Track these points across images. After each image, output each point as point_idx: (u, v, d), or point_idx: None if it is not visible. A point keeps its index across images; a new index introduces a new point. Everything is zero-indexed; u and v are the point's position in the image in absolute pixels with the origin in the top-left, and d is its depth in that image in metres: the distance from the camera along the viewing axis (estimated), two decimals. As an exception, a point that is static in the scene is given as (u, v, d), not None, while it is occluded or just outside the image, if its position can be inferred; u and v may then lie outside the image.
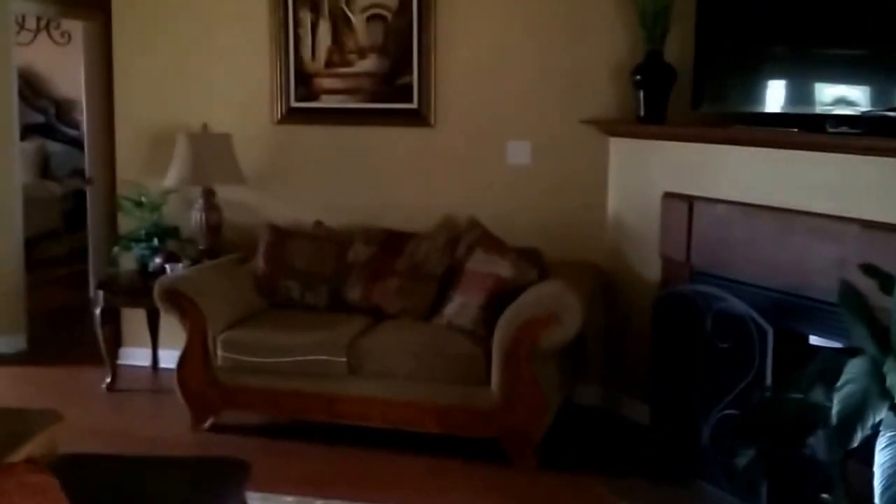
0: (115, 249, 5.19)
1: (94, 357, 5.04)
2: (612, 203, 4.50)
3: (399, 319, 4.30)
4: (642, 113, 4.13)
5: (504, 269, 4.09)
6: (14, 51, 5.83)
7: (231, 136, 4.91)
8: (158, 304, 4.31)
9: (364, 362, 4.03)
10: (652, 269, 4.15)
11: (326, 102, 4.87)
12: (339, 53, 4.81)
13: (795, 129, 3.40)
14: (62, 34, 8.83)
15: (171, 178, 4.84)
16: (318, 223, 4.77)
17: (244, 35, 4.99)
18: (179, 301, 4.25)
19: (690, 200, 3.87)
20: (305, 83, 4.89)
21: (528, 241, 4.42)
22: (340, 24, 4.78)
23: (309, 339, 4.11)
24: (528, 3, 4.54)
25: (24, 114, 9.59)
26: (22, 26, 9.51)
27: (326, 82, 4.85)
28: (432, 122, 4.69)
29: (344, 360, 4.03)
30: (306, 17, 4.83)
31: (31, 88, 9.66)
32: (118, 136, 5.37)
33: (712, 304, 3.52)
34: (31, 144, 9.36)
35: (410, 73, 4.68)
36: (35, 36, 9.53)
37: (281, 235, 4.60)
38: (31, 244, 9.04)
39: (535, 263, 4.19)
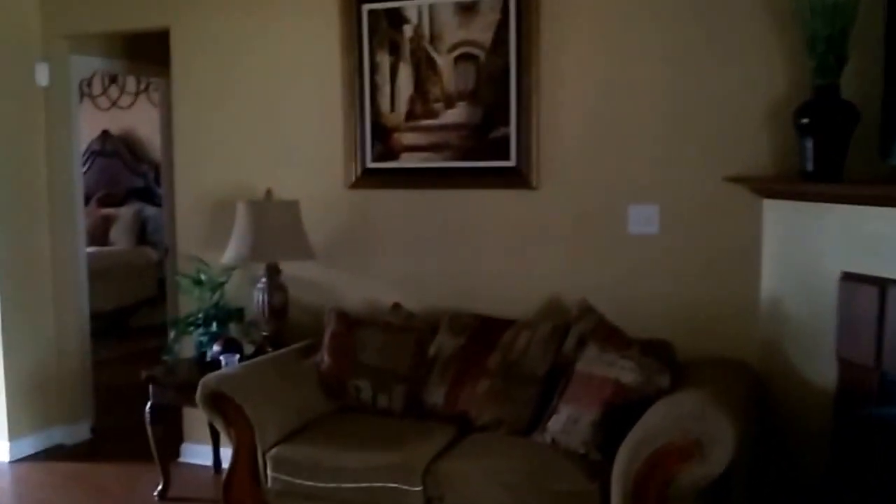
0: (172, 334, 4.49)
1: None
2: (768, 284, 3.47)
3: (490, 433, 3.41)
4: (810, 167, 3.11)
5: (625, 372, 3.14)
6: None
7: (298, 204, 4.16)
8: (201, 408, 3.56)
9: (444, 492, 3.14)
10: (824, 375, 3.12)
11: (407, 162, 4.07)
12: (422, 103, 4.01)
13: None
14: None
15: (229, 255, 4.11)
16: (397, 306, 3.94)
17: (314, 84, 4.27)
18: (224, 407, 3.50)
19: (882, 284, 2.85)
20: (383, 139, 4.10)
21: (656, 333, 3.48)
22: (424, 68, 3.99)
23: (377, 460, 3.25)
24: (654, 30, 3.61)
25: (126, 178, 9.36)
26: (122, 90, 9.28)
27: (407, 138, 4.05)
28: (534, 182, 3.81)
29: (419, 489, 3.16)
30: (384, 60, 4.06)
31: (132, 152, 9.38)
32: (178, 203, 4.73)
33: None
34: (130, 210, 9.05)
35: (507, 124, 3.83)
36: (135, 99, 9.26)
37: (349, 324, 3.78)
38: (128, 312, 8.73)
39: (665, 363, 3.23)
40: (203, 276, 4.41)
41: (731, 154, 3.50)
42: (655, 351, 3.31)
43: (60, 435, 5.10)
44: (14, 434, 4.89)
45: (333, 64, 4.17)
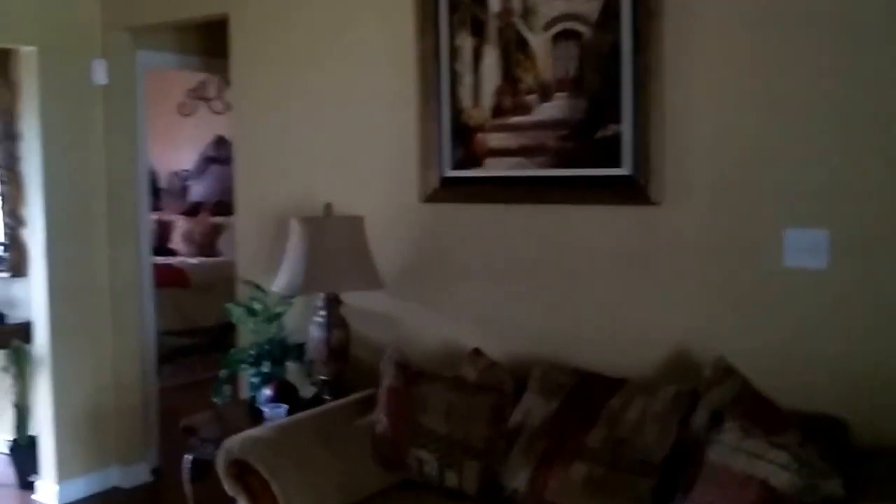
0: (223, 373, 3.80)
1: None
2: None
3: (587, 537, 2.52)
4: None
5: (777, 470, 2.21)
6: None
7: (363, 221, 3.40)
8: (222, 480, 2.84)
9: None
10: None
11: (493, 169, 3.22)
12: (511, 95, 3.15)
13: None
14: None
15: (279, 282, 3.39)
16: (477, 353, 3.09)
17: (383, 75, 3.51)
18: (249, 480, 2.77)
19: None
20: (465, 142, 3.28)
21: (823, 407, 2.52)
22: (514, 51, 3.14)
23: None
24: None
25: (226, 189, 8.90)
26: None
27: (493, 139, 3.21)
28: (655, 196, 2.87)
29: None
30: (466, 43, 3.23)
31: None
32: (238, 220, 4.08)
33: None
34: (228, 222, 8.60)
35: (619, 120, 2.92)
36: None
37: (410, 377, 2.97)
38: (232, 327, 8.24)
39: (836, 454, 2.27)
40: (257, 306, 3.72)
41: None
42: (822, 436, 2.36)
43: (116, 477, 4.56)
44: (64, 475, 4.36)
45: (406, 50, 3.38)
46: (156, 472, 4.72)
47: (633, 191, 2.91)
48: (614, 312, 3.00)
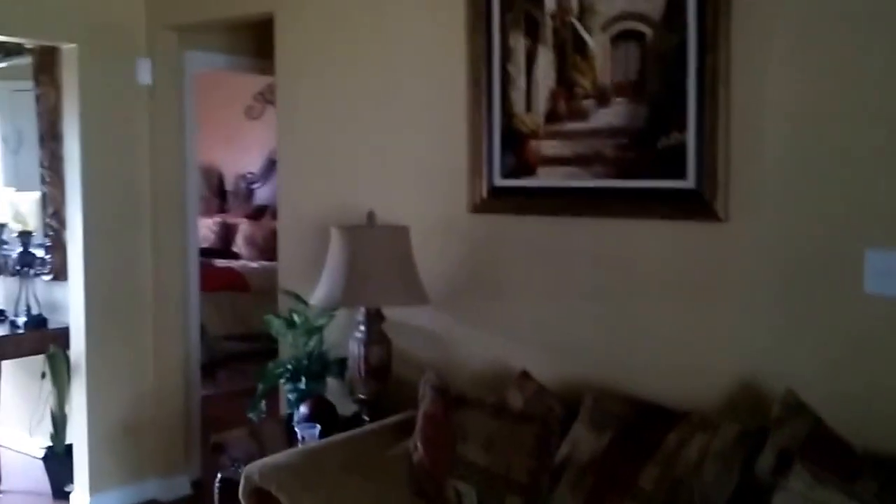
0: (260, 388, 3.64)
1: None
2: None
3: (638, 588, 2.28)
4: None
5: (855, 524, 1.94)
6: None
7: (408, 231, 3.21)
8: (245, 508, 2.68)
9: None
10: None
11: (547, 178, 3.00)
12: (566, 100, 2.93)
13: None
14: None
15: (317, 295, 3.22)
16: (525, 377, 2.87)
17: (432, 77, 3.32)
18: (272, 510, 2.59)
19: None
20: (516, 149, 3.07)
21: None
22: (570, 53, 2.91)
23: None
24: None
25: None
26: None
27: (547, 146, 2.99)
28: (722, 212, 2.62)
29: None
30: (519, 44, 3.03)
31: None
32: (280, 227, 3.94)
33: None
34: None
35: (683, 128, 2.68)
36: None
37: (449, 403, 2.77)
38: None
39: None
40: (297, 317, 3.55)
41: None
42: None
43: (154, 489, 4.44)
44: (97, 487, 4.25)
45: (456, 50, 3.19)
46: (196, 484, 4.60)
47: (697, 205, 2.67)
48: (675, 337, 2.75)
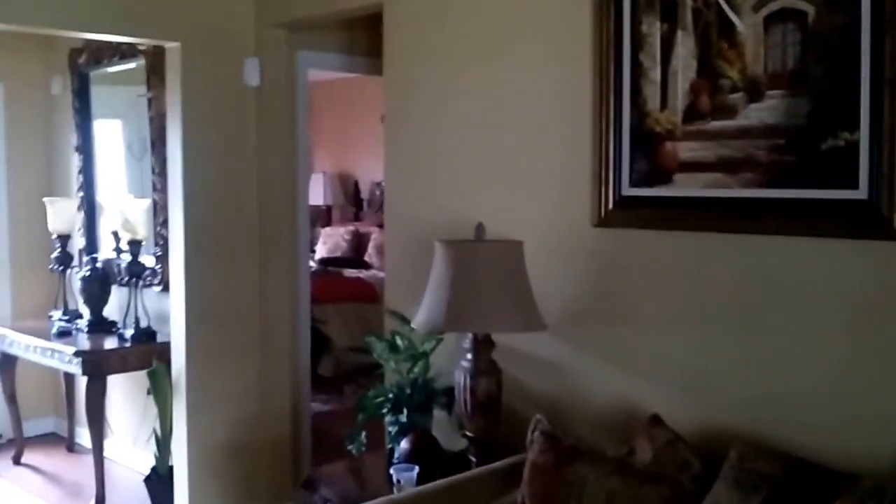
0: (360, 418, 3.32)
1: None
2: None
3: None
4: None
5: None
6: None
7: (522, 247, 2.82)
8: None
9: None
10: None
11: (685, 187, 2.56)
12: (710, 94, 2.48)
13: None
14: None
15: (419, 318, 2.87)
16: (655, 422, 2.44)
17: (553, 69, 2.93)
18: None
19: None
20: (649, 152, 2.63)
21: None
22: (714, 39, 2.46)
23: None
24: None
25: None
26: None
27: (686, 149, 2.54)
28: (904, 229, 2.13)
29: None
30: (654, 30, 2.60)
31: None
32: (386, 241, 3.63)
33: None
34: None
35: (854, 128, 2.19)
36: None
37: (563, 454, 2.36)
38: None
39: None
40: (400, 341, 3.22)
41: None
42: None
43: (257, 517, 4.19)
44: (198, 512, 4.04)
45: (580, 38, 2.79)
46: (306, 512, 4.33)
47: (872, 220, 2.18)
48: (842, 380, 2.25)
